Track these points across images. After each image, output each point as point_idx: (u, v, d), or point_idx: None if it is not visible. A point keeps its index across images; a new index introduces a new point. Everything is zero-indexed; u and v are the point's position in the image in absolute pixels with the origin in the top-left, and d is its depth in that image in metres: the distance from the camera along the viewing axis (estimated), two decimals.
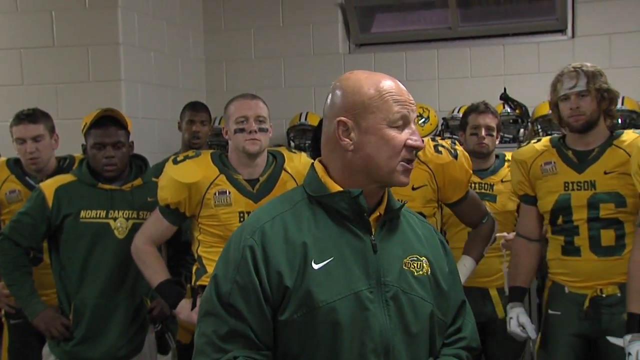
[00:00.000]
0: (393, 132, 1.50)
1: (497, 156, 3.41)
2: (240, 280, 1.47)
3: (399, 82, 1.55)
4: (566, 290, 2.67)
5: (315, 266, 1.47)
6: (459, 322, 1.65)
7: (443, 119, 4.70)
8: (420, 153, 2.53)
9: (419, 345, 1.53)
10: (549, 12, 4.87)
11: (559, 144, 2.72)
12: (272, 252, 1.47)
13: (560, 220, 2.67)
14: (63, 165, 3.19)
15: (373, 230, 1.53)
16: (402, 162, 1.51)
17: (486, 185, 3.30)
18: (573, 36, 4.79)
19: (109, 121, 2.79)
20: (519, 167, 2.77)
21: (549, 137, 2.81)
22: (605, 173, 2.59)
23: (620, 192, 2.57)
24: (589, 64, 2.65)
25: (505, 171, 3.30)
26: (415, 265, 1.55)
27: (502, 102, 4.46)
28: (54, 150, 3.19)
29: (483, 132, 3.29)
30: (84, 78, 4.23)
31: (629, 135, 2.63)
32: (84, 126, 2.81)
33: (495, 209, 3.22)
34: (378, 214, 1.55)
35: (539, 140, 2.81)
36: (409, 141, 1.50)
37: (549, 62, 4.75)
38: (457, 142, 2.66)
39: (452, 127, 4.60)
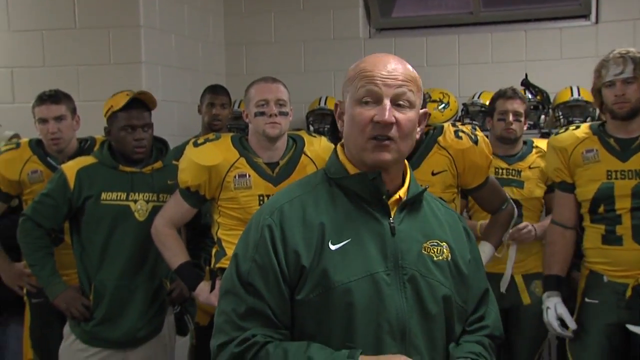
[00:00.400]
0: (359, 109, 1.51)
1: (524, 142, 3.38)
2: (258, 259, 1.49)
3: (392, 61, 1.53)
4: (605, 279, 2.64)
5: (332, 247, 1.48)
6: (481, 310, 1.64)
7: (463, 104, 4.67)
8: (440, 138, 2.53)
9: (436, 328, 1.53)
10: None
11: (599, 131, 2.67)
12: (290, 232, 1.49)
13: (601, 209, 2.63)
14: (84, 146, 3.21)
15: (392, 213, 1.53)
16: (372, 140, 1.49)
17: (514, 172, 3.28)
18: (597, 22, 4.72)
19: (136, 103, 2.79)
20: (558, 154, 2.72)
21: (588, 124, 2.76)
22: None
23: None
24: (634, 50, 2.58)
25: (533, 157, 3.27)
26: (435, 250, 1.55)
27: (523, 88, 4.42)
28: (75, 132, 3.21)
29: (511, 118, 3.26)
30: (104, 60, 4.24)
31: None
32: (109, 109, 2.82)
33: (523, 195, 3.20)
34: (398, 196, 1.55)
35: (577, 127, 2.76)
36: (375, 116, 1.48)
37: (572, 48, 4.70)
38: (477, 128, 2.64)
39: (472, 113, 4.57)
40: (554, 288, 2.72)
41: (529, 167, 3.27)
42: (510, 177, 3.25)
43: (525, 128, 3.35)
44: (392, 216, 1.53)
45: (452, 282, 1.55)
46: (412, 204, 1.57)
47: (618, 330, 2.61)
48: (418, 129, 1.57)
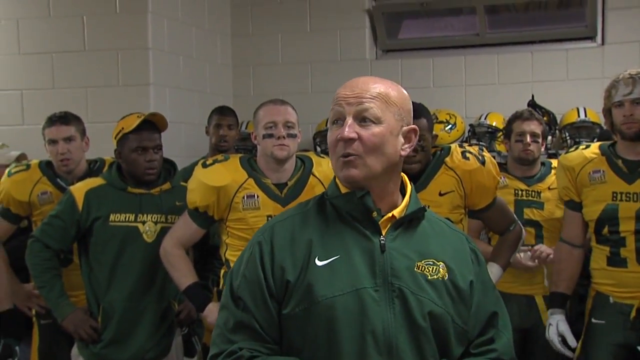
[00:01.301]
0: (331, 131, 1.56)
1: (543, 163, 3.38)
2: (247, 275, 1.54)
3: (358, 80, 1.56)
4: (611, 300, 2.64)
5: (319, 263, 1.51)
6: (489, 333, 1.62)
7: (470, 125, 4.69)
8: (447, 159, 2.54)
9: (427, 346, 1.52)
10: (578, 19, 4.83)
11: (609, 152, 2.68)
12: (278, 248, 1.54)
13: (605, 231, 2.63)
14: (93, 167, 3.23)
15: (384, 231, 1.55)
16: (340, 158, 1.53)
17: (533, 193, 3.26)
18: (603, 43, 4.75)
19: (147, 125, 2.81)
20: (566, 172, 2.74)
21: (598, 144, 2.77)
22: None
23: None
24: None
25: (552, 178, 3.26)
26: (430, 269, 1.55)
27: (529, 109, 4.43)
28: (85, 153, 3.23)
29: (528, 139, 3.25)
30: (113, 82, 4.28)
31: None
32: (120, 131, 2.83)
33: (543, 216, 3.19)
34: (391, 215, 1.56)
35: (587, 147, 2.77)
36: (338, 134, 1.52)
37: (578, 69, 4.73)
38: (484, 149, 2.65)
39: (479, 134, 4.58)
40: (558, 305, 2.73)
41: (549, 188, 3.25)
42: (530, 198, 3.24)
43: (543, 149, 3.35)
44: (384, 234, 1.54)
45: (448, 302, 1.55)
46: (409, 222, 1.58)
47: (624, 350, 2.61)
48: (406, 146, 1.58)
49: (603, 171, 2.65)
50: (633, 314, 2.57)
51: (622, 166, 2.62)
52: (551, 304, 2.76)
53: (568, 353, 2.68)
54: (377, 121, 1.52)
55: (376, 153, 1.52)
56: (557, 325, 2.67)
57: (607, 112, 2.65)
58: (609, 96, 2.62)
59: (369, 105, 1.52)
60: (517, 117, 3.34)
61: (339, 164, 1.54)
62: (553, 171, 3.29)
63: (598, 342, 2.65)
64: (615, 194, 2.61)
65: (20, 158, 3.79)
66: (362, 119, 1.52)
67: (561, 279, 2.77)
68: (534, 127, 3.28)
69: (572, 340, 2.65)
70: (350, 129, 1.51)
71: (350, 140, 1.51)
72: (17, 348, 3.19)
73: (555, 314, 2.70)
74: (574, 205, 2.75)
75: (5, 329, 3.21)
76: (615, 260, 2.62)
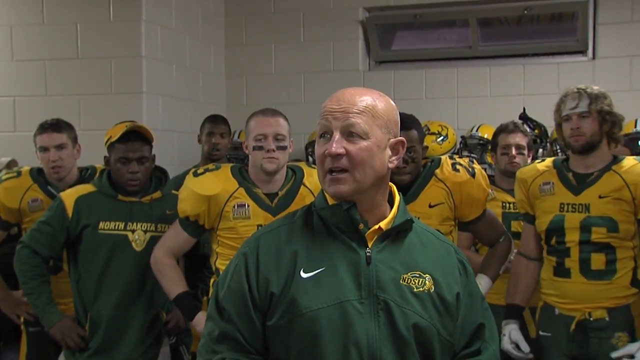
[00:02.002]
0: (319, 144, 1.55)
1: None
2: (232, 285, 1.55)
3: (343, 94, 1.55)
4: (556, 311, 2.68)
5: (304, 275, 1.51)
6: (476, 344, 1.63)
7: (462, 137, 4.70)
8: (437, 171, 2.55)
9: (412, 358, 1.52)
10: (569, 33, 4.87)
11: (561, 165, 2.73)
12: (263, 260, 1.54)
13: (553, 241, 2.68)
14: (85, 175, 3.22)
15: (370, 243, 1.55)
16: (328, 173, 1.53)
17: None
18: (594, 57, 4.79)
19: (134, 135, 2.81)
20: (521, 186, 2.79)
21: (552, 158, 2.83)
22: (600, 197, 2.59)
23: (614, 217, 2.58)
24: (595, 87, 2.67)
25: None
26: (416, 281, 1.55)
27: (521, 122, 4.45)
28: (76, 160, 3.23)
29: (513, 151, 3.31)
30: (106, 90, 4.28)
31: (629, 161, 2.64)
32: (108, 139, 2.84)
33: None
34: (378, 227, 1.56)
35: (543, 160, 2.83)
36: (325, 150, 1.52)
37: (569, 83, 4.64)
38: (475, 161, 2.67)
39: (471, 146, 4.60)
40: (512, 317, 2.77)
41: None
42: (518, 210, 3.26)
43: (529, 161, 3.37)
44: (370, 246, 1.55)
45: (434, 314, 1.55)
46: (396, 234, 1.59)
47: None
48: (393, 158, 1.58)
49: (552, 183, 2.70)
50: (573, 326, 2.62)
51: (571, 179, 2.67)
52: (506, 315, 2.79)
53: (524, 356, 2.72)
54: (364, 136, 1.52)
55: (364, 167, 1.52)
56: (509, 335, 2.72)
57: (559, 126, 2.71)
58: (558, 110, 2.69)
59: (356, 121, 1.52)
60: (502, 130, 3.39)
61: (327, 179, 1.54)
62: None
63: (547, 354, 2.70)
64: (562, 205, 2.65)
65: (11, 164, 3.78)
66: (349, 134, 1.52)
67: (517, 291, 2.80)
68: (519, 139, 3.34)
69: (525, 346, 2.70)
70: (337, 144, 1.50)
71: (338, 156, 1.51)
72: None
73: (509, 324, 2.74)
74: (528, 218, 2.80)
75: None
76: (560, 271, 2.66)
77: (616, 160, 2.65)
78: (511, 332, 2.72)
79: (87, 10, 4.29)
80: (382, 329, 1.50)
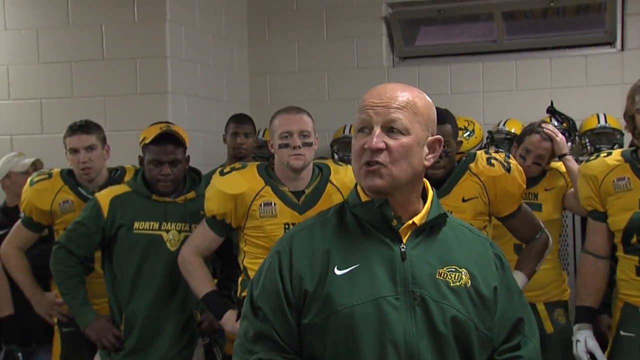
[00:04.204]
0: (357, 138, 1.55)
1: None
2: (267, 284, 1.55)
3: (385, 89, 1.55)
4: None
5: (338, 272, 1.51)
6: (515, 339, 1.61)
7: (488, 132, 4.66)
8: (472, 165, 2.53)
9: (449, 354, 1.51)
10: (597, 24, 4.79)
11: (632, 158, 2.60)
12: (297, 258, 1.54)
13: (634, 240, 2.54)
14: (114, 176, 3.24)
15: (405, 238, 1.54)
16: (364, 166, 1.52)
17: (530, 195, 3.23)
18: (622, 49, 4.71)
19: (167, 138, 2.81)
20: (589, 182, 2.64)
21: (620, 151, 2.70)
22: None
23: None
24: None
25: (547, 180, 3.24)
26: (453, 276, 1.54)
27: (549, 115, 4.41)
28: (106, 161, 3.24)
29: (530, 161, 3.20)
30: (132, 90, 4.30)
31: None
32: (142, 139, 2.85)
33: (542, 218, 3.15)
34: (411, 222, 1.55)
35: (609, 154, 2.68)
36: (365, 144, 1.51)
37: (597, 75, 4.69)
38: (511, 156, 2.62)
39: (498, 140, 4.55)
40: (585, 320, 2.64)
41: (545, 189, 3.23)
42: (528, 200, 3.18)
43: (540, 168, 3.28)
44: (404, 242, 1.54)
45: (472, 309, 1.54)
46: (430, 228, 1.58)
47: None
48: (430, 156, 1.57)
49: (628, 178, 2.56)
50: None
51: None
52: (577, 319, 2.66)
53: None
54: (405, 132, 1.52)
55: (402, 163, 1.52)
56: (585, 342, 2.58)
57: (630, 117, 2.56)
58: (632, 102, 2.54)
59: (397, 116, 1.51)
60: (532, 131, 3.27)
61: (363, 172, 1.53)
62: (548, 173, 3.26)
63: (627, 355, 2.57)
64: None
65: (36, 164, 3.82)
66: (390, 129, 1.51)
67: (587, 292, 2.67)
68: (542, 151, 3.21)
69: (602, 357, 2.57)
70: (378, 138, 1.50)
71: (378, 150, 1.50)
72: (19, 354, 3.22)
73: (583, 329, 2.61)
74: (598, 215, 2.66)
75: (7, 335, 3.24)
76: None
77: None
78: (587, 338, 2.58)
79: (112, 12, 4.31)
80: (419, 325, 1.49)
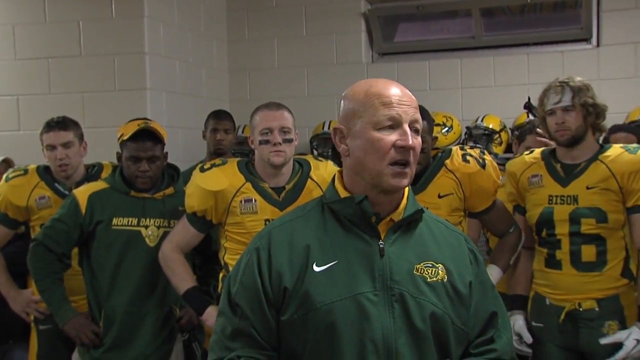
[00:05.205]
0: (379, 134, 1.52)
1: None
2: (245, 281, 1.55)
3: (399, 87, 1.56)
4: (547, 302, 2.68)
5: (317, 269, 1.51)
6: (489, 333, 1.63)
7: (466, 127, 4.69)
8: (447, 161, 2.54)
9: (427, 349, 1.53)
10: (573, 21, 4.84)
11: (549, 157, 2.71)
12: (276, 255, 1.54)
13: (544, 234, 2.68)
14: (91, 172, 3.23)
15: (383, 235, 1.55)
16: (392, 166, 1.51)
17: None
18: (598, 45, 4.76)
19: (145, 135, 2.81)
20: (510, 178, 2.79)
21: (540, 150, 2.81)
22: (588, 188, 2.58)
23: (602, 208, 2.57)
24: (577, 78, 2.64)
25: None
26: (430, 271, 1.55)
27: (526, 111, 4.44)
28: (83, 158, 3.23)
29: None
30: (110, 87, 4.28)
31: (615, 150, 2.62)
32: (120, 136, 2.84)
33: None
34: (389, 219, 1.56)
35: (531, 152, 2.81)
36: (399, 141, 1.50)
37: (574, 71, 4.62)
38: (486, 152, 2.65)
39: (476, 136, 4.58)
40: (517, 307, 2.76)
41: None
42: None
43: None
44: (383, 238, 1.54)
45: (448, 304, 1.55)
46: (407, 225, 1.59)
47: (570, 354, 2.65)
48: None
49: (541, 175, 2.68)
50: (562, 316, 2.61)
51: (559, 170, 2.66)
52: (510, 306, 2.74)
53: (526, 349, 2.71)
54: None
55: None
56: (512, 326, 2.67)
57: (542, 119, 2.67)
58: (541, 104, 2.66)
59: (419, 117, 1.55)
60: (534, 129, 3.30)
61: (389, 171, 1.51)
62: None
63: (542, 344, 2.69)
64: (551, 197, 2.64)
65: (8, 161, 3.78)
66: (415, 130, 1.53)
67: (517, 281, 2.81)
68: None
69: (527, 338, 2.68)
70: (412, 137, 1.51)
71: (411, 150, 1.51)
72: None
73: (514, 314, 2.72)
74: (520, 210, 2.80)
75: None
76: (551, 262, 2.66)
77: (602, 149, 2.63)
78: (514, 323, 2.69)
79: (89, 8, 4.28)
80: (397, 321, 1.50)
